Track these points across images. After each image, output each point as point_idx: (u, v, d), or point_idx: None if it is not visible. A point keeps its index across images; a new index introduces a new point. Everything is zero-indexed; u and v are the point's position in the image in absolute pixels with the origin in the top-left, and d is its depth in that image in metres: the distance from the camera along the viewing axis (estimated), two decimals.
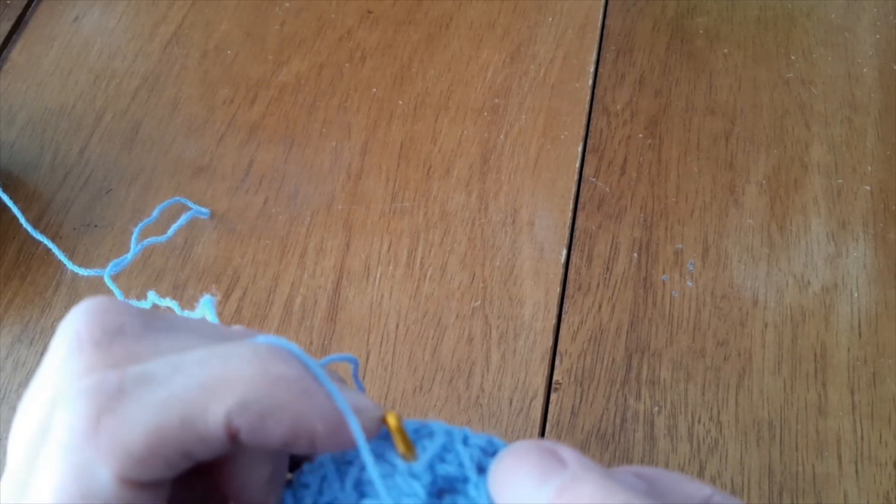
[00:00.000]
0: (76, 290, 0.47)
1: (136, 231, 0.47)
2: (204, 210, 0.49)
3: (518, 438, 0.42)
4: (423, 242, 0.48)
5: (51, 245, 0.48)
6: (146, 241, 0.47)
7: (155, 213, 0.48)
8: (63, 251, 0.48)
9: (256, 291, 0.47)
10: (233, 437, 0.18)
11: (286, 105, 0.54)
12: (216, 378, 0.18)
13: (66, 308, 0.46)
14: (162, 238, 0.47)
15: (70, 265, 0.47)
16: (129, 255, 0.46)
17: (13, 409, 0.43)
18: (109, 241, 0.49)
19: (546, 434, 0.42)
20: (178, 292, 0.47)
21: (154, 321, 0.20)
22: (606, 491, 0.17)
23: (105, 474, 0.17)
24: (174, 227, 0.48)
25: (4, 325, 0.46)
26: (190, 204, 0.49)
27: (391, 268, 0.47)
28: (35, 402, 0.19)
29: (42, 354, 0.45)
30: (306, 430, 0.19)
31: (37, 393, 0.19)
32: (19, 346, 0.45)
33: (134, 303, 0.43)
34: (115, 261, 0.46)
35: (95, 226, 0.49)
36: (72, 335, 0.19)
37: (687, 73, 0.55)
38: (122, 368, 0.18)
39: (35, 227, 0.49)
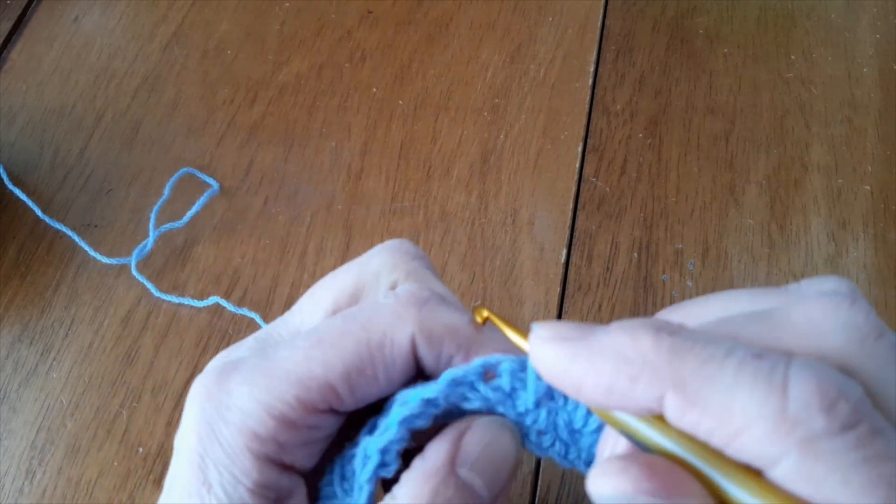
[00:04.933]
0: (76, 291, 0.47)
1: (153, 214, 0.48)
2: (213, 183, 0.50)
3: None
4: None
5: (72, 234, 0.49)
6: (164, 227, 0.48)
7: (166, 190, 0.49)
8: (63, 251, 0.48)
9: (256, 291, 0.47)
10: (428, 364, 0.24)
11: (286, 105, 0.54)
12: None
13: (66, 308, 0.46)
14: (178, 223, 0.48)
15: (93, 253, 0.48)
16: (150, 240, 0.47)
17: (13, 409, 0.43)
18: (110, 241, 0.49)
19: None
20: (178, 292, 0.47)
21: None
22: None
23: (407, 335, 0.23)
24: (190, 212, 0.48)
25: (4, 325, 0.46)
26: (199, 174, 0.50)
27: None
28: (360, 272, 0.26)
29: (42, 354, 0.45)
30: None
31: (363, 268, 0.26)
32: (19, 346, 0.45)
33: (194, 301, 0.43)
34: (138, 248, 0.47)
35: (95, 226, 0.49)
36: (397, 246, 0.27)
37: (687, 73, 0.55)
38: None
39: (35, 227, 0.49)
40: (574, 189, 0.50)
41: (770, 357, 0.18)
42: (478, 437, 0.23)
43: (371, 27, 0.58)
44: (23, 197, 0.50)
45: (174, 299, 0.46)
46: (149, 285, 0.46)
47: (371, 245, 0.48)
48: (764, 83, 0.54)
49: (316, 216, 0.49)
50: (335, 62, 0.56)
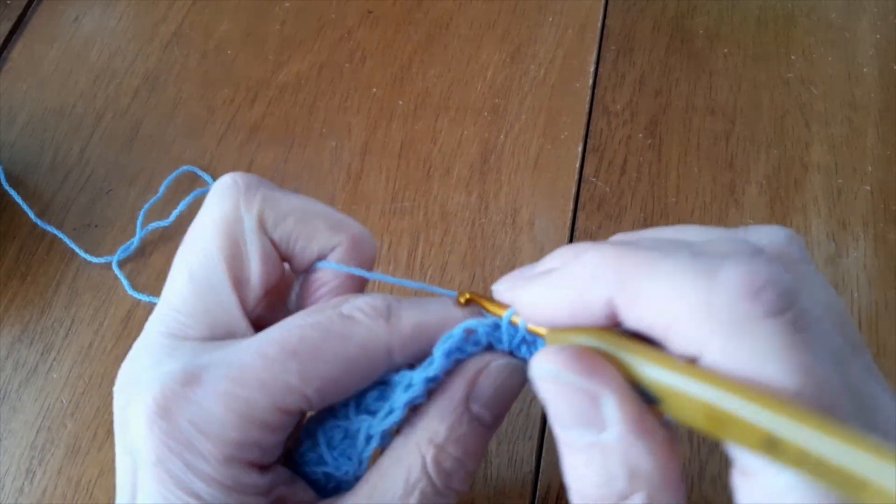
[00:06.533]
0: (76, 291, 0.47)
1: (141, 213, 0.48)
2: (210, 181, 0.50)
3: (517, 437, 0.42)
4: (423, 242, 0.48)
5: (62, 236, 0.48)
6: (151, 226, 0.48)
7: (161, 189, 0.49)
8: (64, 251, 0.48)
9: None
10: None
11: (286, 105, 0.54)
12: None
13: (66, 308, 0.46)
14: (165, 222, 0.48)
15: (81, 253, 0.48)
16: (136, 239, 0.47)
17: (13, 409, 0.43)
18: (109, 241, 0.49)
19: (545, 439, 0.42)
20: None
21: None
22: None
23: (381, 346, 0.26)
24: (176, 211, 0.48)
25: (4, 325, 0.46)
26: (199, 172, 0.50)
27: (391, 268, 0.47)
28: (211, 223, 0.27)
29: (42, 354, 0.45)
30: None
31: (210, 218, 0.27)
32: (19, 346, 0.45)
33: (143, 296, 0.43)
34: (123, 247, 0.47)
35: (95, 226, 0.49)
36: (231, 184, 0.27)
37: (687, 73, 0.55)
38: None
39: (35, 227, 0.49)
40: (574, 189, 0.50)
41: (707, 255, 0.19)
42: (492, 379, 0.26)
43: (371, 27, 0.58)
44: (18, 200, 0.50)
45: (144, 298, 0.46)
46: (125, 282, 0.46)
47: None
48: (764, 83, 0.54)
49: None
50: (335, 62, 0.56)
